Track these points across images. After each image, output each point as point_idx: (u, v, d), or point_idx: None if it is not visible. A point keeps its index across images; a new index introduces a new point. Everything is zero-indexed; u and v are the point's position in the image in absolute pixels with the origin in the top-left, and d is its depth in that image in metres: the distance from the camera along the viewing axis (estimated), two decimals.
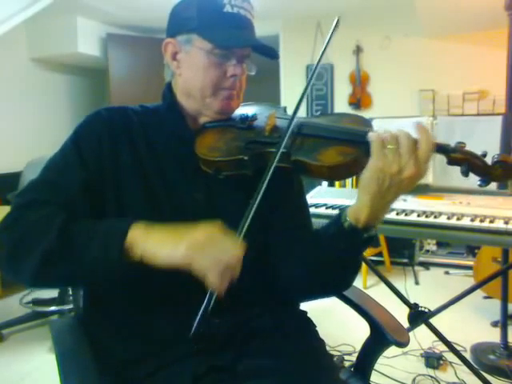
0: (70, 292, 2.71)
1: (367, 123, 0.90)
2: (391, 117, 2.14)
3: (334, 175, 0.91)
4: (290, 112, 1.01)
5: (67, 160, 0.89)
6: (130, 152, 0.91)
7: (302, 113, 4.43)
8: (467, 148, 0.80)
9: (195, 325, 0.76)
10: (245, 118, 0.95)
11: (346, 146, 0.84)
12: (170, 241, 0.75)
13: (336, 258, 0.86)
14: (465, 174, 0.80)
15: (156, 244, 0.75)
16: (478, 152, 0.80)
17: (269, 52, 0.92)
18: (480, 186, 0.81)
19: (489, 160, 0.80)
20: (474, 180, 0.82)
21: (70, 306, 2.70)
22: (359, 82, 4.21)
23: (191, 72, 0.92)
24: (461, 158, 0.79)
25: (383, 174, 0.76)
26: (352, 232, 0.82)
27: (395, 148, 0.75)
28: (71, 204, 0.83)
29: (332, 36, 0.90)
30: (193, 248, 0.73)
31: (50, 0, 3.04)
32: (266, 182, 0.82)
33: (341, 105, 4.35)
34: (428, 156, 0.76)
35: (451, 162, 0.80)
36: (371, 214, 0.80)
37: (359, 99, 4.23)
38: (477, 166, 0.79)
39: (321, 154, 0.85)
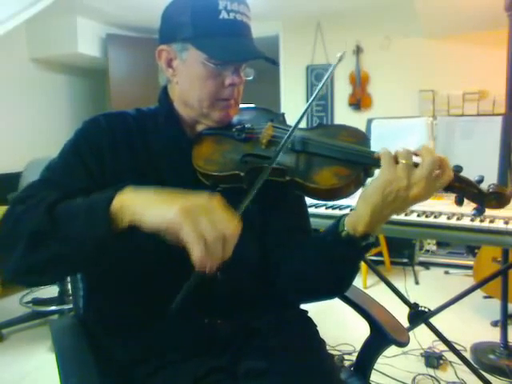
0: (70, 292, 2.71)
1: (365, 138, 0.89)
2: (391, 117, 2.13)
3: (329, 196, 0.90)
4: (287, 116, 1.01)
5: (69, 162, 0.87)
6: (130, 159, 0.90)
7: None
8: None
9: (177, 301, 0.72)
10: (241, 129, 0.93)
11: (344, 167, 0.83)
12: (162, 201, 0.69)
13: (334, 264, 0.86)
14: (459, 202, 0.80)
15: (147, 202, 0.69)
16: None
17: (268, 59, 0.90)
18: (474, 215, 0.81)
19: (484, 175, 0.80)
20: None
21: (70, 306, 2.70)
22: (359, 82, 4.21)
23: (188, 82, 0.90)
24: (458, 187, 0.79)
25: (391, 186, 0.75)
26: (349, 241, 0.81)
27: (408, 164, 0.74)
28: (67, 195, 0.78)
29: (334, 68, 0.90)
30: (186, 211, 0.65)
31: (50, 0, 3.04)
32: (254, 193, 0.78)
33: (341, 105, 4.35)
34: (442, 186, 0.75)
35: (448, 188, 0.79)
36: (369, 225, 0.79)
37: (359, 99, 4.24)
38: (472, 194, 0.79)
39: (317, 175, 0.83)
